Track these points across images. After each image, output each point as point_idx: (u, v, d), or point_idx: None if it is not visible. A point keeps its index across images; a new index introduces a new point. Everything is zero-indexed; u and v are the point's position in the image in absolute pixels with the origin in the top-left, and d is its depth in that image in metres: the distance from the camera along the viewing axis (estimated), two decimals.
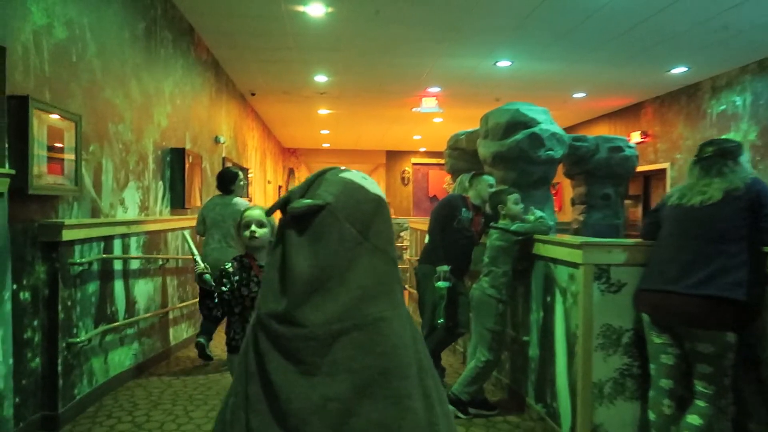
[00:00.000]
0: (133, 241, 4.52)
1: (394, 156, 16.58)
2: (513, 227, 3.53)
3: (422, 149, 16.49)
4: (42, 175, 3.16)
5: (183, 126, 6.01)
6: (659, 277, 2.70)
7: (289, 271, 1.18)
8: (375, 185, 1.32)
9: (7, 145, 2.96)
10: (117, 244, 4.22)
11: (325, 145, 16.27)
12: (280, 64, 7.83)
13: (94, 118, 3.95)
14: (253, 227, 2.60)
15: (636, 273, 2.92)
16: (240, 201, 5.17)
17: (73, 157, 3.53)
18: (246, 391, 1.20)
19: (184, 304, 5.74)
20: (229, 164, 8.06)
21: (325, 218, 1.18)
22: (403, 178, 16.43)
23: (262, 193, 11.69)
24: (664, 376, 2.71)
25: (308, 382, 1.14)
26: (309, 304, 1.16)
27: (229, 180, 5.13)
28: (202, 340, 5.12)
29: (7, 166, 2.97)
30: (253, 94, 9.44)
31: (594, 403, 2.95)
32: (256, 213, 2.66)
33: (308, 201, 1.19)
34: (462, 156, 7.11)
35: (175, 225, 5.53)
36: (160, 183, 5.31)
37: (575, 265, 3.02)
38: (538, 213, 3.61)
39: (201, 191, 6.36)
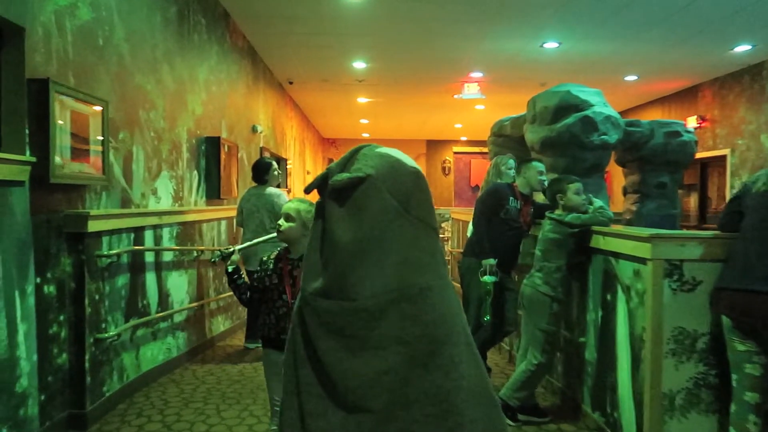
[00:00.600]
0: (165, 232, 4.35)
1: (434, 145, 16.21)
2: (568, 218, 3.19)
3: (463, 138, 16.07)
4: (65, 163, 2.99)
5: (219, 114, 5.83)
6: (743, 274, 2.33)
7: (332, 244, 1.17)
8: (411, 159, 1.29)
9: (27, 131, 2.79)
10: (148, 236, 4.05)
11: (365, 135, 16.02)
12: (318, 50, 7.59)
13: (123, 104, 3.77)
14: (281, 221, 2.48)
15: (713, 269, 2.55)
16: (273, 191, 5.05)
17: (99, 144, 3.35)
18: (297, 375, 1.21)
19: (220, 296, 5.58)
20: (266, 154, 7.89)
21: (367, 190, 1.16)
22: (443, 168, 16.06)
23: (301, 183, 11.53)
24: (748, 389, 2.35)
25: (360, 358, 1.15)
26: (354, 277, 1.15)
27: (262, 170, 5.05)
28: (250, 345, 5.18)
29: (27, 153, 2.80)
30: (290, 83, 9.24)
31: (663, 416, 2.61)
32: (287, 206, 2.51)
33: (349, 174, 1.17)
34: (507, 143, 6.73)
35: (211, 216, 5.36)
36: (195, 173, 5.14)
37: (642, 261, 2.67)
38: (598, 203, 3.26)
39: (237, 181, 6.18)
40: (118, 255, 3.52)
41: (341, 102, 11.13)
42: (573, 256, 3.24)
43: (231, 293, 5.94)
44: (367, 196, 1.17)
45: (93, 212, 3.20)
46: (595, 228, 3.14)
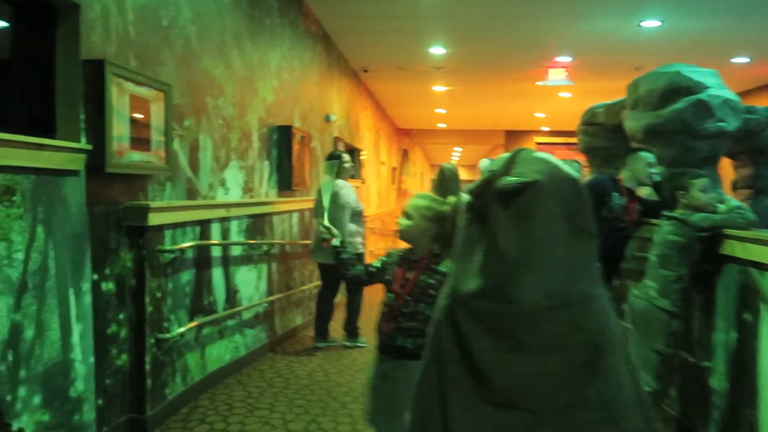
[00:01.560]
0: (234, 225, 4.11)
1: (513, 136, 15.48)
2: (695, 218, 2.64)
3: (545, 128, 15.26)
4: (123, 151, 2.75)
5: (291, 102, 5.56)
6: None
7: (495, 247, 1.19)
8: (567, 166, 1.26)
9: (83, 117, 2.56)
10: (215, 229, 3.81)
11: (441, 125, 15.52)
12: (394, 36, 7.19)
13: (189, 89, 3.52)
14: (401, 218, 2.29)
15: None
16: (338, 183, 4.83)
17: (162, 132, 3.10)
18: (441, 369, 1.23)
19: (291, 291, 5.33)
20: (340, 144, 7.61)
21: (534, 196, 1.16)
22: None
23: (375, 175, 11.21)
24: None
25: (519, 359, 1.17)
26: (517, 281, 1.16)
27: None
28: (320, 345, 5.00)
29: (83, 140, 2.57)
30: (365, 71, 8.90)
31: None
32: (408, 203, 2.31)
33: (516, 178, 1.17)
34: (599, 132, 6.07)
35: (282, 208, 5.10)
36: (266, 163, 4.88)
37: None
38: (734, 202, 2.70)
39: (311, 172, 5.91)
40: (182, 250, 3.28)
41: (417, 91, 10.71)
42: (697, 264, 2.69)
43: (302, 288, 5.70)
44: (533, 202, 1.17)
45: (154, 204, 2.95)
46: (729, 232, 2.58)
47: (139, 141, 2.89)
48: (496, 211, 1.19)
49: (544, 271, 1.16)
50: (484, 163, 6.05)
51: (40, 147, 2.29)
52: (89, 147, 2.56)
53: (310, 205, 5.99)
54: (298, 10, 5.76)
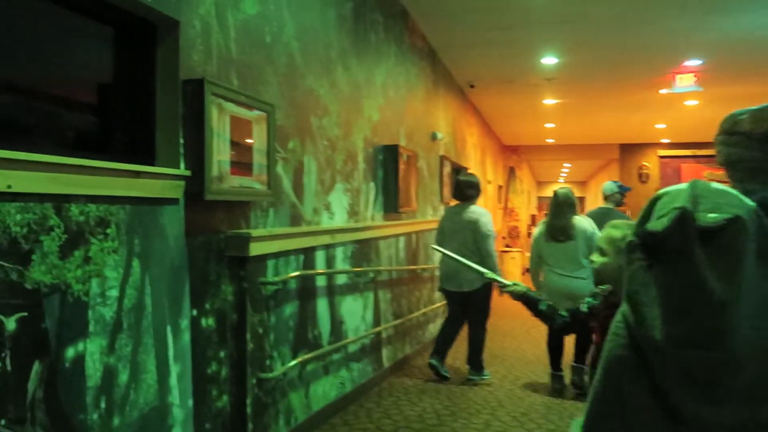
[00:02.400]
0: (339, 251, 3.84)
1: (629, 150, 14.37)
2: None
3: (665, 140, 14.03)
4: (224, 176, 2.54)
5: (397, 120, 5.28)
6: None
7: (699, 290, 1.09)
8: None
9: (181, 141, 2.38)
10: (320, 257, 3.56)
11: (549, 141, 14.73)
12: (503, 47, 6.75)
13: (293, 110, 3.31)
14: (594, 255, 2.07)
15: None
16: (477, 209, 4.72)
17: (265, 154, 2.89)
18: (623, 415, 1.18)
19: (399, 320, 5.00)
20: (447, 163, 7.25)
21: (737, 232, 1.08)
22: (640, 175, 14.14)
23: (482, 193, 10.71)
24: None
25: (725, 407, 1.11)
26: (725, 325, 1.08)
27: (466, 186, 4.81)
28: (434, 361, 4.70)
29: (182, 165, 2.38)
30: (472, 86, 8.50)
31: None
32: (602, 236, 2.05)
33: (719, 215, 1.09)
34: (743, 142, 5.21)
35: (388, 232, 4.80)
36: (372, 184, 4.61)
37: None
38: None
39: (417, 193, 5.58)
40: (285, 281, 3.03)
41: (526, 105, 10.14)
42: None
43: (410, 316, 5.35)
44: (736, 239, 1.08)
45: (255, 233, 2.72)
46: None
47: (241, 165, 2.68)
48: (695, 249, 1.09)
49: (754, 314, 1.09)
50: (609, 185, 5.43)
51: (136, 174, 2.11)
52: (188, 173, 2.37)
53: (418, 228, 5.65)
54: (403, 26, 5.50)
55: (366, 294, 4.34)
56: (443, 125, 7.33)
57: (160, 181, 2.24)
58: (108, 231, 2.01)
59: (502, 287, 2.58)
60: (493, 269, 4.69)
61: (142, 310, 2.18)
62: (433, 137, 6.71)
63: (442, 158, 7.11)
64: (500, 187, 13.62)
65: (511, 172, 15.00)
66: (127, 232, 2.10)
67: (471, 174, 5.07)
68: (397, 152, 4.93)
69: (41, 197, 1.76)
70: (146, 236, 2.19)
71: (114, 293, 2.04)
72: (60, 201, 1.83)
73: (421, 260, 5.96)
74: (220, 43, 2.63)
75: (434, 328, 6.41)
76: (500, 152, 14.09)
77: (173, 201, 2.33)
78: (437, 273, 6.66)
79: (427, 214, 6.34)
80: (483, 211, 4.78)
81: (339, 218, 3.95)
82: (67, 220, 1.85)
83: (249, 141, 2.76)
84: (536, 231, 4.62)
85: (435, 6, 5.45)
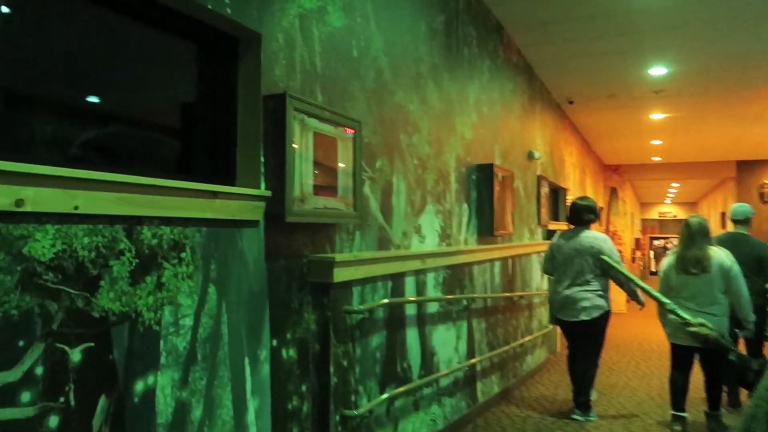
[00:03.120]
0: (430, 277, 3.58)
1: (748, 166, 13.07)
2: None
3: None
4: (306, 197, 2.36)
5: (491, 138, 4.98)
6: None
7: None
8: None
9: (262, 159, 2.23)
10: (409, 283, 3.31)
11: (655, 159, 13.71)
12: (605, 59, 6.28)
13: (380, 127, 3.12)
14: None
15: None
16: (597, 234, 4.42)
17: (350, 174, 2.70)
18: None
19: (494, 352, 4.63)
20: (544, 183, 6.81)
21: None
22: (762, 194, 12.79)
23: None
24: None
25: None
26: None
27: (584, 210, 4.51)
28: (577, 417, 4.32)
29: (262, 186, 2.23)
30: (570, 102, 8.02)
31: None
32: None
33: None
34: None
35: (483, 256, 4.47)
36: (465, 206, 4.32)
37: None
38: None
39: (513, 215, 5.22)
40: (372, 309, 2.80)
41: (629, 121, 9.45)
42: None
43: (506, 347, 4.96)
44: None
45: (339, 257, 2.52)
46: None
47: (325, 185, 2.50)
48: None
49: None
50: (744, 208, 4.78)
51: (213, 195, 1.97)
52: (268, 194, 2.21)
53: (514, 252, 5.28)
54: (498, 40, 5.22)
55: (459, 323, 4.03)
56: (540, 143, 6.92)
57: (238, 202, 2.09)
58: (182, 255, 1.87)
59: (685, 325, 2.25)
60: (633, 295, 4.32)
61: (218, 340, 2.02)
62: (530, 156, 6.32)
63: (540, 178, 6.68)
64: (601, 208, 12.80)
65: (613, 193, 14.10)
66: (203, 257, 1.96)
67: (588, 197, 4.72)
68: (491, 172, 4.62)
69: (111, 219, 1.64)
70: (223, 261, 2.04)
71: (188, 322, 1.90)
72: (132, 223, 1.71)
73: (518, 287, 5.56)
74: (304, 57, 2.49)
75: (532, 359, 5.95)
76: (600, 172, 13.29)
77: (252, 223, 2.18)
78: (535, 300, 6.22)
79: (524, 237, 5.94)
80: (604, 236, 4.49)
81: (430, 242, 3.69)
82: (139, 244, 1.72)
83: (334, 159, 2.58)
84: (665, 262, 4.13)
85: (531, 18, 5.13)
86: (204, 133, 2.17)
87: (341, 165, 2.62)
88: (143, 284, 1.73)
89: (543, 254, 4.91)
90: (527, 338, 5.65)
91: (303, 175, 2.34)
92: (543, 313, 6.47)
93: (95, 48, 1.81)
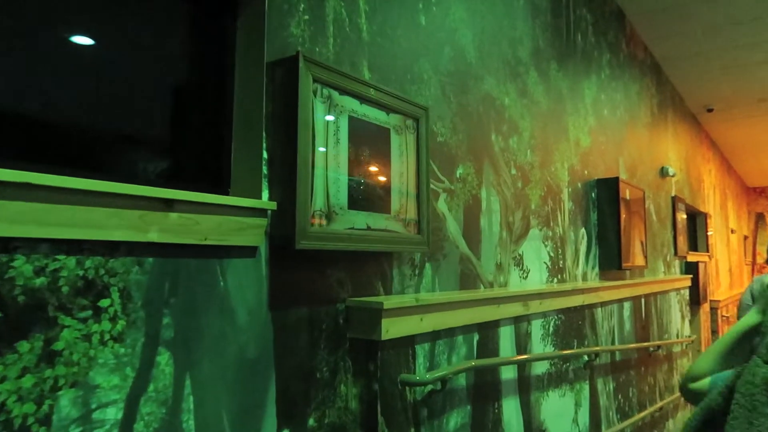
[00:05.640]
0: (536, 327, 2.60)
1: None
2: None
3: None
4: (334, 212, 1.54)
5: (614, 148, 3.92)
6: None
7: None
8: None
9: (264, 156, 1.44)
10: (505, 335, 2.36)
11: None
12: (755, 55, 4.98)
13: (463, 122, 2.25)
14: None
15: None
16: None
17: (412, 181, 1.85)
18: None
19: (628, 422, 3.49)
20: (680, 205, 5.52)
21: None
22: None
23: (724, 245, 8.38)
24: None
25: None
26: None
27: None
28: None
29: (264, 195, 1.44)
30: (710, 110, 6.64)
31: None
32: None
33: None
34: None
35: (608, 296, 3.40)
36: (582, 231, 3.30)
37: None
38: None
39: (645, 244, 4.07)
40: (444, 379, 1.89)
41: None
42: None
43: (642, 413, 3.78)
44: None
45: (390, 302, 1.65)
46: None
47: (368, 195, 1.66)
48: None
49: None
50: None
51: (166, 205, 1.20)
52: (272, 206, 1.42)
53: (648, 290, 4.13)
54: (619, 29, 4.18)
55: (578, 386, 2.99)
56: (673, 158, 5.65)
57: (216, 218, 1.31)
58: (103, 303, 1.11)
59: None
60: None
61: None
62: (663, 173, 5.10)
63: (675, 200, 5.41)
64: (745, 237, 10.85)
65: (760, 219, 11.99)
66: (147, 305, 1.19)
67: None
68: (617, 188, 3.56)
69: None
70: (188, 310, 1.26)
71: (111, 415, 1.12)
72: None
73: (653, 333, 4.35)
74: (341, 14, 1.70)
75: (673, 425, 4.64)
76: (743, 195, 11.34)
77: (246, 251, 1.39)
78: (675, 349, 4.92)
79: (659, 271, 4.71)
80: None
81: (535, 278, 2.72)
82: (4, 286, 0.98)
83: (385, 159, 1.75)
84: None
85: (657, 5, 4.06)
86: (172, 116, 1.42)
87: (397, 168, 1.78)
88: (13, 356, 0.99)
89: (740, 301, 3.64)
90: (668, 399, 4.39)
91: (330, 179, 1.52)
92: (686, 366, 5.13)
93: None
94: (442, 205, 2.09)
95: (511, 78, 2.64)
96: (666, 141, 5.42)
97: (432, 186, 2.03)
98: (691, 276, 5.67)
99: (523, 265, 2.62)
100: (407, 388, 1.76)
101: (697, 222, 6.83)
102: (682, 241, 5.53)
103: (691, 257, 5.87)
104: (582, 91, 3.46)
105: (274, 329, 1.44)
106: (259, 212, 1.40)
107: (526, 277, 2.64)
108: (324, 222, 1.49)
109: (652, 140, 4.93)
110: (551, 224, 2.92)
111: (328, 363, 1.59)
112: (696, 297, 5.80)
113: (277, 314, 1.45)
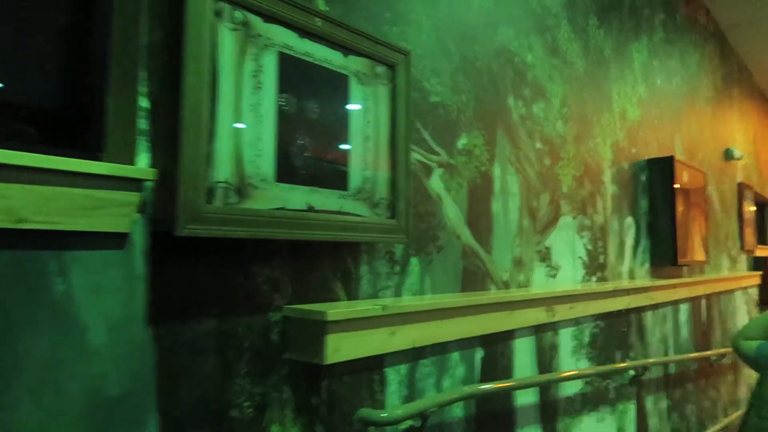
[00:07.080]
0: (565, 336, 2.06)
1: None
2: None
3: None
4: (249, 185, 1.07)
5: (669, 124, 3.28)
6: None
7: None
8: None
9: (146, 104, 0.99)
10: (523, 349, 1.84)
11: None
12: None
13: (470, 79, 1.73)
14: None
15: None
16: None
17: (384, 151, 1.35)
18: None
19: None
20: (747, 193, 4.78)
21: None
22: None
23: None
24: None
25: None
26: None
27: None
28: None
29: (141, 159, 0.99)
30: None
31: None
32: None
33: None
34: None
35: (661, 297, 2.80)
36: (629, 219, 2.71)
37: None
38: None
39: (706, 235, 3.41)
40: (425, 414, 1.38)
41: None
42: None
43: None
44: None
45: (337, 313, 1.16)
46: None
47: (312, 165, 1.18)
48: None
49: None
50: None
51: None
52: (151, 174, 0.96)
53: (709, 289, 3.49)
54: None
55: (622, 407, 2.42)
56: (740, 140, 4.89)
57: (42, 190, 0.86)
58: None
59: None
60: None
61: None
62: (728, 156, 4.39)
63: (741, 187, 4.67)
64: None
65: None
66: None
67: None
68: (672, 170, 2.94)
69: None
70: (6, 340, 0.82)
71: None
72: None
73: (715, 340, 3.69)
74: None
75: None
76: None
77: (116, 239, 0.94)
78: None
79: (722, 268, 4.03)
80: None
81: (567, 276, 2.17)
82: None
83: (341, 119, 1.26)
84: None
85: None
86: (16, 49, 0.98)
87: (360, 130, 1.29)
88: None
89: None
90: (733, 415, 3.72)
91: (243, 139, 1.05)
92: (753, 376, 4.41)
93: None
94: (436, 184, 1.59)
95: (537, 31, 2.10)
96: (731, 119, 4.68)
97: (422, 158, 1.53)
98: (760, 273, 4.92)
99: (551, 260, 2.08)
100: (370, 428, 1.27)
101: (766, 212, 6.01)
102: (750, 233, 4.79)
103: (760, 252, 5.11)
104: (629, 54, 2.85)
105: (158, 351, 0.99)
106: (128, 183, 0.94)
107: (555, 275, 2.10)
108: (233, 199, 1.02)
109: (716, 118, 4.23)
110: (588, 211, 2.36)
111: (252, 396, 1.12)
112: (765, 296, 5.05)
113: (164, 330, 1.00)
